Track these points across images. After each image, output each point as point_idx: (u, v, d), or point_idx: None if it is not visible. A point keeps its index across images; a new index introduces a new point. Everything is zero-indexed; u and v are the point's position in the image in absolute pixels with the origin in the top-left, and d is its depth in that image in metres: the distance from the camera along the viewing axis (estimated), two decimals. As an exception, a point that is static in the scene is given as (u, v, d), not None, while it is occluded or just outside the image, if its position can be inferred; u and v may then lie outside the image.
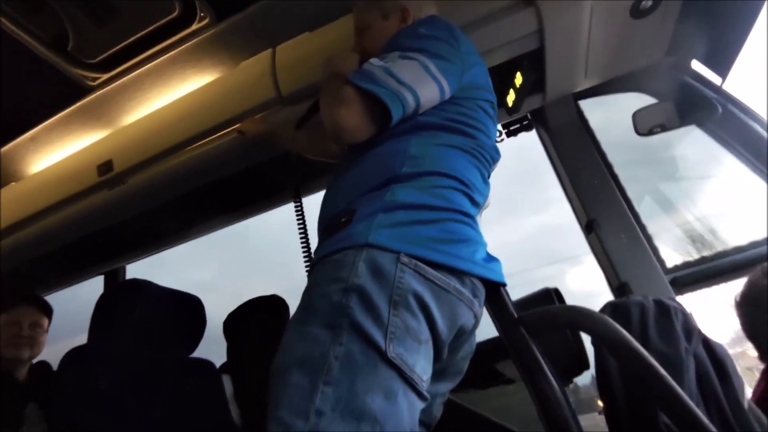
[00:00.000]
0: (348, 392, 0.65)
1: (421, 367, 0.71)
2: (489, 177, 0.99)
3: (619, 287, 1.40)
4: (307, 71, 1.35)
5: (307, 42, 1.37)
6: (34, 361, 1.70)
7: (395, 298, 0.71)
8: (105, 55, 1.50)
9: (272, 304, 1.64)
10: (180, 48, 1.44)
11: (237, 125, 1.44)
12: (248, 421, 1.36)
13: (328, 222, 0.87)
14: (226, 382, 1.38)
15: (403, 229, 0.77)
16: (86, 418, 1.15)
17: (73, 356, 1.17)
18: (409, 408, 0.69)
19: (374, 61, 0.89)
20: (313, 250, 1.00)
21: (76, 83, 1.55)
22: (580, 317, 0.81)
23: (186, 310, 1.41)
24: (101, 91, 1.58)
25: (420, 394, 0.71)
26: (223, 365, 1.49)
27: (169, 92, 1.60)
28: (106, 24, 1.40)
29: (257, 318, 1.60)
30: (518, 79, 1.33)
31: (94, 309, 1.29)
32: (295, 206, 1.63)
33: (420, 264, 0.74)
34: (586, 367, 1.13)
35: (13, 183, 1.85)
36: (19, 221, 1.78)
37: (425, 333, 0.73)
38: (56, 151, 1.77)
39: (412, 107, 0.87)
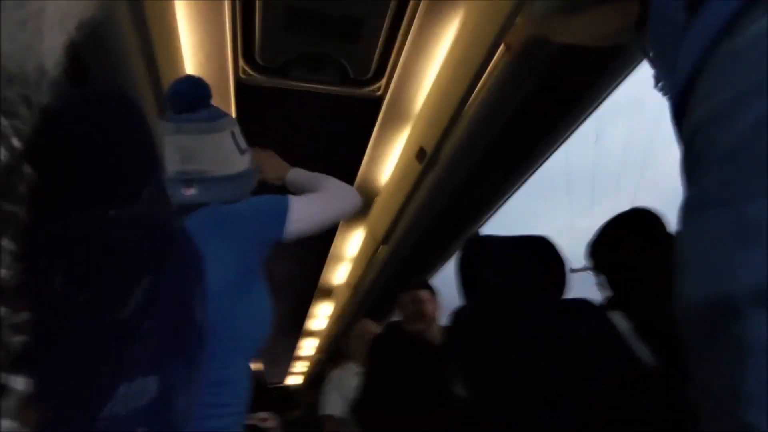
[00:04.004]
0: None
1: None
2: None
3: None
4: None
5: None
6: None
7: None
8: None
9: (642, 218, 1.29)
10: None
11: None
12: (661, 357, 1.08)
13: None
14: (617, 318, 1.15)
15: None
16: (493, 375, 1.20)
17: (457, 318, 1.28)
18: None
19: None
20: None
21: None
22: None
23: (536, 252, 1.29)
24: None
25: None
26: (609, 300, 1.27)
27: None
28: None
29: (630, 239, 1.29)
30: None
31: (456, 270, 1.36)
32: None
33: None
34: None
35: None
36: None
37: None
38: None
39: None
